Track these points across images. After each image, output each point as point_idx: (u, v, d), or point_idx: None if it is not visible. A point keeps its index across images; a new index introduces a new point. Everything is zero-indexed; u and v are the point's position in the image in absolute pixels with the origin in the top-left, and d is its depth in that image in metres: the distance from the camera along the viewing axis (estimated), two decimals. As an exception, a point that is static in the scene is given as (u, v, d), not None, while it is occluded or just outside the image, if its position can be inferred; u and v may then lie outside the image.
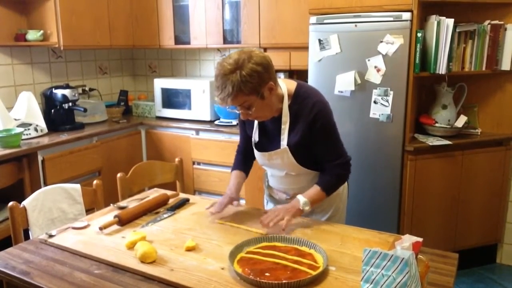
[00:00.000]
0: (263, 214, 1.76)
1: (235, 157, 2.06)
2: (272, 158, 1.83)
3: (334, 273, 1.37)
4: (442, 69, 2.73)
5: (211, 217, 1.81)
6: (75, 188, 2.14)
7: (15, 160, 2.82)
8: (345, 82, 2.78)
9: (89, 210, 2.14)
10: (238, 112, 1.70)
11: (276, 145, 1.81)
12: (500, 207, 3.05)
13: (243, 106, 1.64)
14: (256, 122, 1.86)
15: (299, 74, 3.43)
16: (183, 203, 1.99)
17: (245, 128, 1.96)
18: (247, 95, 1.59)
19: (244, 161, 2.02)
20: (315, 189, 1.76)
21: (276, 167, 1.88)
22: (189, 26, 3.72)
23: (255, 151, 1.90)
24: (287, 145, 1.77)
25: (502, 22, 2.85)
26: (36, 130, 3.13)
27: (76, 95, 3.43)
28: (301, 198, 1.73)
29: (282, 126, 1.77)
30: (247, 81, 1.56)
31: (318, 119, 1.72)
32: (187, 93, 3.72)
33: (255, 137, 1.88)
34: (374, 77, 2.71)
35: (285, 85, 1.77)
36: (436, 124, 2.94)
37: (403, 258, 1.11)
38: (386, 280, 1.13)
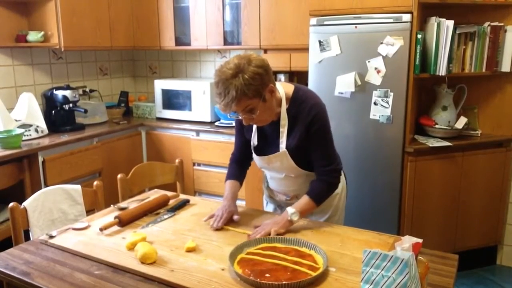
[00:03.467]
0: (270, 219, 1.76)
1: (229, 166, 2.02)
2: (271, 162, 1.84)
3: (334, 274, 1.37)
4: (442, 70, 2.74)
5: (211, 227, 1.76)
6: (76, 189, 2.15)
7: (15, 161, 2.82)
8: (345, 84, 2.78)
9: (89, 211, 2.14)
10: (239, 118, 1.70)
11: (275, 149, 1.81)
12: (500, 208, 3.05)
13: (246, 110, 1.64)
14: (254, 126, 1.86)
15: (299, 76, 3.44)
16: (184, 204, 2.00)
17: (242, 134, 1.94)
18: (251, 98, 1.59)
19: (239, 170, 2.00)
20: (304, 200, 1.76)
21: (275, 170, 1.88)
22: (189, 27, 3.72)
23: (254, 155, 1.90)
24: (286, 148, 1.78)
25: (502, 24, 2.85)
26: (36, 131, 3.14)
27: (77, 96, 3.43)
28: (290, 209, 1.71)
29: (281, 129, 1.78)
30: (250, 84, 1.56)
31: (315, 122, 1.72)
32: (187, 94, 3.72)
33: (254, 141, 1.88)
34: (374, 78, 2.71)
35: (283, 89, 1.78)
36: (436, 126, 2.94)
37: (403, 259, 1.11)
38: (386, 281, 1.13)
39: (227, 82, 1.56)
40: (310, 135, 1.74)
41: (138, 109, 4.06)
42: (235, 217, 1.80)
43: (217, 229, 1.73)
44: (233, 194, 1.89)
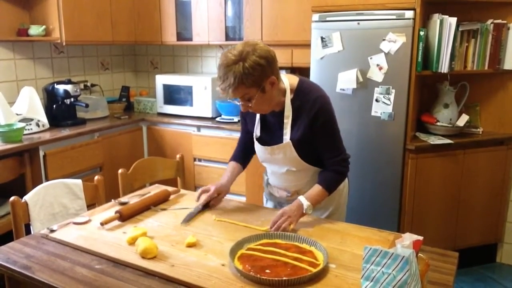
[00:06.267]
0: (270, 215, 1.76)
1: (235, 148, 2.07)
2: (274, 153, 1.83)
3: (334, 270, 1.38)
4: (444, 67, 2.73)
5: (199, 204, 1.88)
6: (77, 183, 2.15)
7: (16, 155, 2.83)
8: (347, 80, 2.78)
9: (90, 206, 2.14)
10: (238, 103, 1.71)
11: (278, 140, 1.81)
12: (501, 206, 3.05)
13: (243, 98, 1.65)
14: (258, 118, 1.86)
15: (301, 72, 3.42)
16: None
17: (246, 123, 1.97)
18: (248, 87, 1.60)
19: (243, 153, 2.04)
20: (317, 189, 1.76)
21: (277, 163, 1.88)
22: (191, 22, 3.71)
23: (257, 146, 1.90)
24: (290, 139, 1.78)
25: (505, 21, 2.84)
26: (37, 125, 3.14)
27: (78, 90, 3.43)
28: (304, 202, 1.70)
29: (285, 121, 1.78)
30: (249, 74, 1.57)
31: (320, 115, 1.72)
32: (188, 90, 3.72)
33: (257, 132, 1.88)
34: (376, 75, 2.71)
35: (288, 80, 1.78)
36: (438, 123, 2.94)
37: (403, 256, 1.11)
38: (386, 278, 1.13)
39: (228, 68, 1.57)
40: (316, 129, 1.74)
41: (139, 104, 4.06)
42: (219, 196, 1.90)
43: (217, 220, 1.77)
44: (231, 176, 1.96)
